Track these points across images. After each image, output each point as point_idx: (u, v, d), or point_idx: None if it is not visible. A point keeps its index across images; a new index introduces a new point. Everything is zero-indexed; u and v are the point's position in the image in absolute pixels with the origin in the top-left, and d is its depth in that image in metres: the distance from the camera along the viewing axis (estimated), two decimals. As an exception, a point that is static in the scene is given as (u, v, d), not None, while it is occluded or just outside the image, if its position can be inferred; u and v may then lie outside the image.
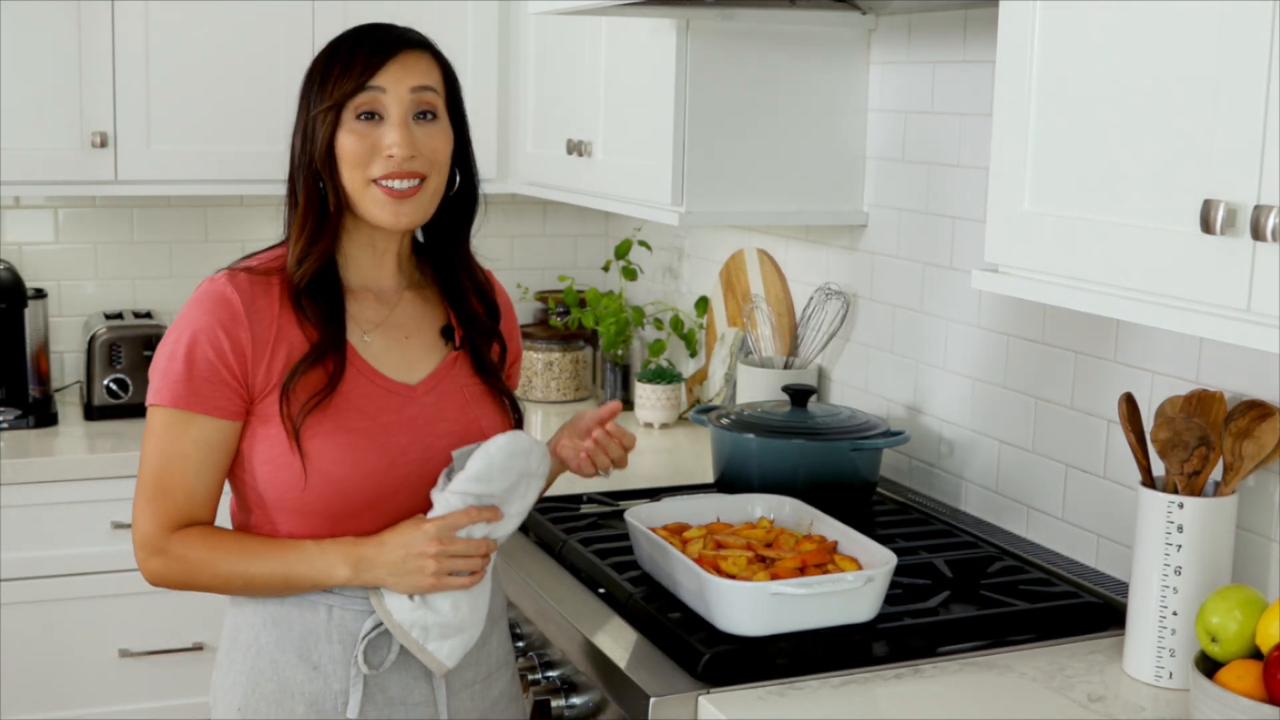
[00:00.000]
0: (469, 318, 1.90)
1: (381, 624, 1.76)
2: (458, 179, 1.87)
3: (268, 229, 3.62)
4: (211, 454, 1.75)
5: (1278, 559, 1.89)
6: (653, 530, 2.08)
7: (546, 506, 2.48)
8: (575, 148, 3.03)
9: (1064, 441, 2.28)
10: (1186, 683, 1.79)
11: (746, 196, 2.68)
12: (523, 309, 3.88)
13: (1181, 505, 1.79)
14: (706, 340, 3.40)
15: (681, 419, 3.36)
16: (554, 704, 2.01)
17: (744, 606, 1.85)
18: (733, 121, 2.64)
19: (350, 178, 1.77)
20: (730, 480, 2.53)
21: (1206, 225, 1.41)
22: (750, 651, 1.85)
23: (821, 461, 2.44)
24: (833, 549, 2.05)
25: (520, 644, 2.18)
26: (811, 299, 2.89)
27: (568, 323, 3.69)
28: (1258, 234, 1.36)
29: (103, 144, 3.15)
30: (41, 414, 3.23)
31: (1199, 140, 1.45)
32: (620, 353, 3.52)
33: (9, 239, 3.48)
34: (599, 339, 3.59)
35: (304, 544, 1.74)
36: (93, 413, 3.30)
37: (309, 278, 1.77)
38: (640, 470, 2.97)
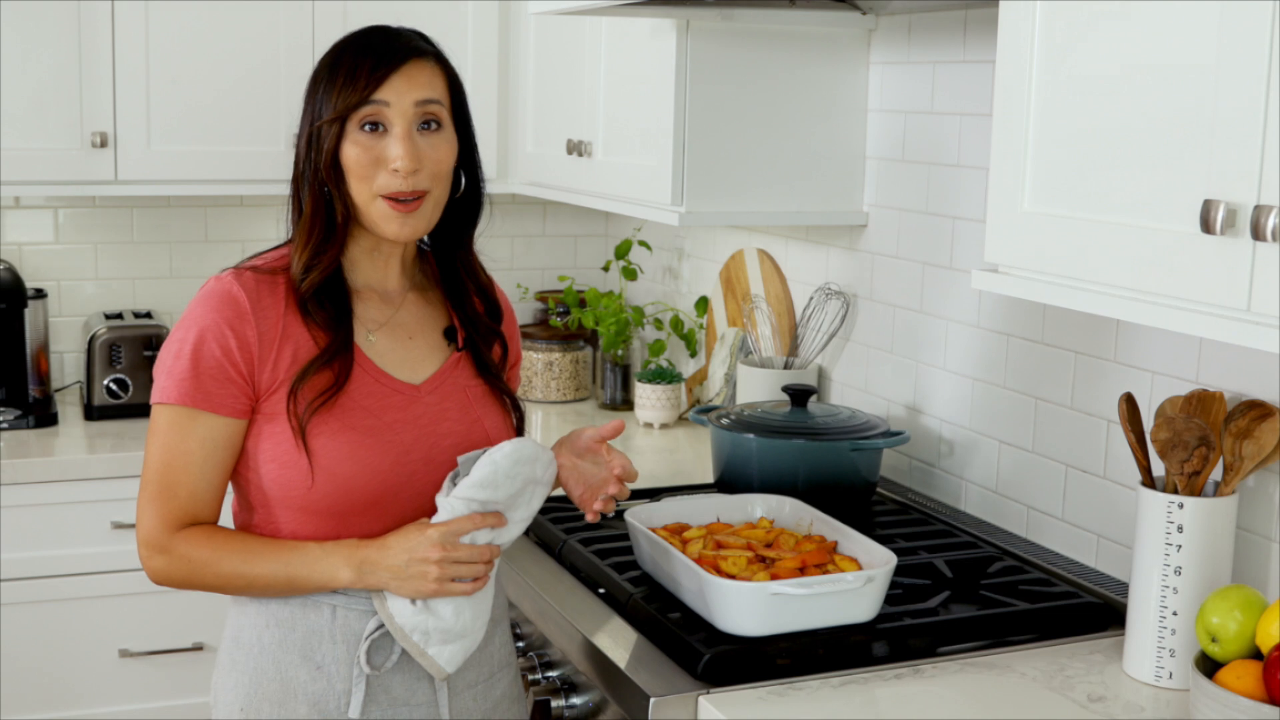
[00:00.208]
0: (471, 318, 1.91)
1: (384, 625, 1.76)
2: (463, 182, 1.87)
3: (268, 229, 3.63)
4: (217, 452, 1.75)
5: (1278, 559, 1.89)
6: (653, 530, 2.08)
7: (547, 507, 2.48)
8: (575, 148, 3.03)
9: (1064, 441, 2.28)
10: (1186, 683, 1.79)
11: (746, 196, 2.68)
12: (523, 309, 3.89)
13: (1181, 505, 1.79)
14: (706, 340, 3.40)
15: (681, 419, 3.36)
16: (554, 704, 2.01)
17: (744, 606, 1.85)
18: (733, 121, 2.64)
19: (356, 189, 1.77)
20: (730, 480, 2.53)
21: (1206, 225, 1.41)
22: (750, 651, 1.85)
23: (821, 462, 2.44)
24: (833, 549, 2.05)
25: (520, 644, 2.18)
26: (811, 299, 2.89)
27: (568, 323, 3.69)
28: (1258, 234, 1.36)
29: (103, 144, 3.15)
30: (41, 414, 3.23)
31: (1199, 140, 1.45)
32: (620, 353, 3.52)
33: (9, 239, 3.48)
34: (599, 339, 3.59)
35: (307, 546, 1.74)
36: (93, 413, 3.30)
37: (316, 287, 1.77)
38: (640, 470, 2.96)
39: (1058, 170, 1.65)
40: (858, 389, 2.82)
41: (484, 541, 1.75)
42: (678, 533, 2.11)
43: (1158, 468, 1.92)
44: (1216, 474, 1.88)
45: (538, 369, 3.58)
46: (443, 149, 1.80)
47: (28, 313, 3.30)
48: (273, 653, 1.78)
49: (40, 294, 3.37)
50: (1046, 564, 2.25)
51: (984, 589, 2.13)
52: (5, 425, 3.18)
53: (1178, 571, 1.80)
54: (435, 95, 1.78)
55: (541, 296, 3.86)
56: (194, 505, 1.75)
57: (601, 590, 2.13)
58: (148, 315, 3.49)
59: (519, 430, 1.94)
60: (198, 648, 3.12)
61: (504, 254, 3.85)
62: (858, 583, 1.89)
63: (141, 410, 3.30)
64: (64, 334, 3.54)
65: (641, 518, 2.13)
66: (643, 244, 3.58)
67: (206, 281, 1.79)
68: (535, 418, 3.44)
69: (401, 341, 1.85)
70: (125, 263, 3.58)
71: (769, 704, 1.75)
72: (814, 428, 2.48)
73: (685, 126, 2.62)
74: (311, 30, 3.22)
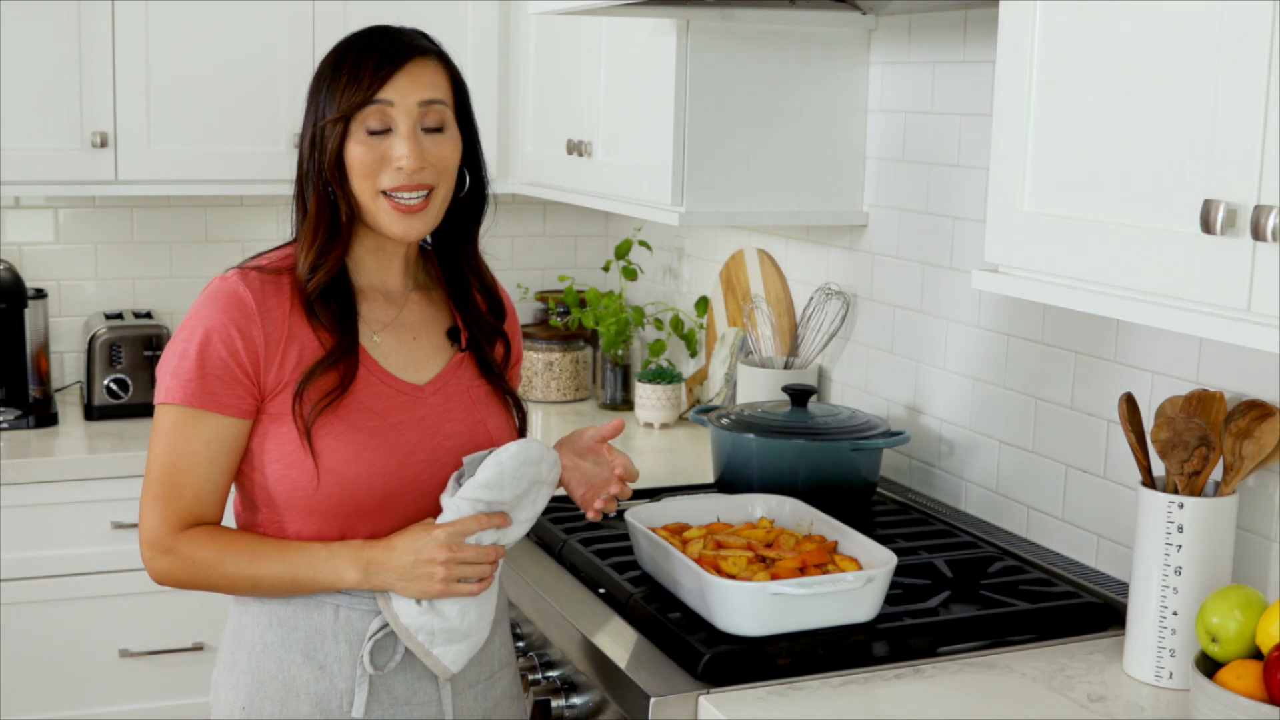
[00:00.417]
0: (475, 318, 1.91)
1: (388, 624, 1.76)
2: (467, 181, 1.87)
3: (268, 229, 3.63)
4: (222, 452, 1.75)
5: (1278, 559, 1.89)
6: (653, 530, 2.08)
7: (548, 507, 2.47)
8: (575, 148, 3.03)
9: (1064, 441, 2.28)
10: (1187, 683, 1.79)
11: (746, 196, 2.68)
12: (523, 309, 3.89)
13: (1182, 505, 1.79)
14: (707, 340, 3.40)
15: (681, 419, 3.36)
16: (554, 704, 2.01)
17: (744, 606, 1.85)
18: (733, 121, 2.64)
19: (360, 188, 1.77)
20: (730, 480, 2.53)
21: (1207, 225, 1.41)
22: (750, 651, 1.85)
23: (821, 462, 2.44)
24: (833, 549, 2.05)
25: (520, 644, 2.18)
26: (811, 299, 2.89)
27: (568, 323, 3.69)
28: (1258, 234, 1.36)
29: (103, 144, 3.15)
30: (41, 414, 3.23)
31: (1199, 140, 1.45)
32: (620, 353, 3.52)
33: (9, 239, 3.48)
34: (599, 339, 3.59)
35: (312, 546, 1.74)
36: (93, 413, 3.30)
37: (322, 287, 1.77)
38: (640, 470, 2.96)
39: (1058, 170, 1.65)
40: (858, 389, 2.82)
41: (489, 542, 1.75)
42: (678, 533, 2.11)
43: (1158, 468, 1.92)
44: (1217, 474, 1.88)
45: (538, 369, 3.58)
46: (447, 147, 1.80)
47: (28, 313, 3.31)
48: (275, 652, 1.78)
49: (40, 294, 3.37)
50: (1046, 564, 2.25)
51: (984, 589, 2.13)
52: (5, 425, 3.18)
53: (1178, 571, 1.80)
54: (439, 95, 1.79)
55: (541, 296, 3.86)
56: (198, 506, 1.75)
57: (602, 590, 2.13)
58: (148, 315, 3.49)
59: (521, 430, 1.94)
60: (198, 648, 3.12)
61: (504, 254, 3.85)
62: (858, 583, 1.89)
63: (142, 410, 3.30)
64: (64, 334, 3.54)
65: (641, 518, 2.13)
66: (643, 244, 3.58)
67: (211, 281, 1.79)
68: (535, 418, 3.44)
69: (406, 342, 1.85)
70: (125, 263, 3.58)
71: (769, 704, 1.75)
72: (814, 428, 2.48)
73: (685, 126, 2.62)
74: (312, 30, 3.22)
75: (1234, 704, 1.54)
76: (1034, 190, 1.69)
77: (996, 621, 2.01)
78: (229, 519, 1.84)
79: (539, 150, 3.30)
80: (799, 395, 2.57)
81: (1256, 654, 1.62)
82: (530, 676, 2.06)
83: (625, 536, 2.21)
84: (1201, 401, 1.91)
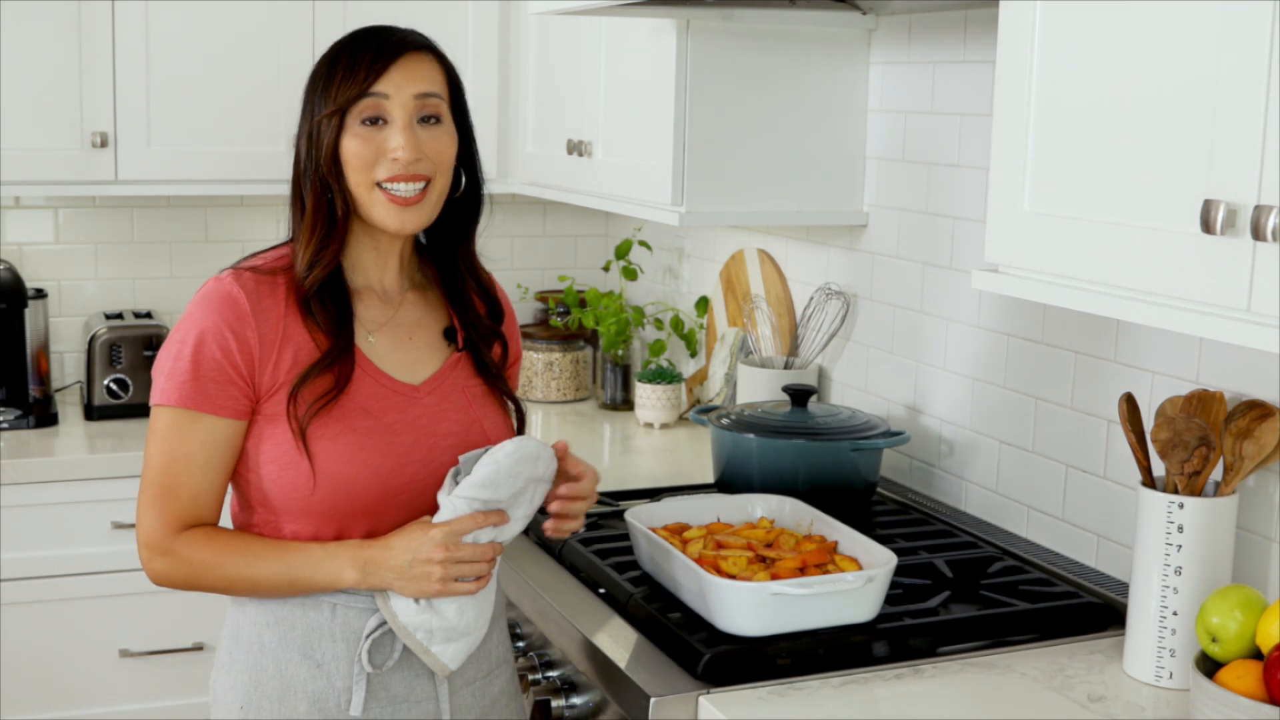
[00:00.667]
0: (472, 320, 1.91)
1: (386, 623, 1.76)
2: (463, 180, 1.87)
3: (268, 229, 3.62)
4: (218, 454, 1.75)
5: (1278, 559, 1.89)
6: (653, 530, 2.08)
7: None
8: (575, 148, 3.03)
9: (1064, 441, 2.28)
10: (1187, 683, 1.79)
11: (746, 196, 2.68)
12: (523, 309, 3.89)
13: (1182, 505, 1.79)
14: (707, 340, 3.40)
15: (682, 419, 3.36)
16: (554, 704, 2.01)
17: (744, 606, 1.85)
18: (733, 121, 2.64)
19: (356, 182, 1.77)
20: (730, 480, 2.53)
21: (1207, 225, 1.41)
22: (750, 651, 1.85)
23: (822, 462, 2.44)
24: (833, 549, 2.05)
25: (520, 644, 2.18)
26: (811, 299, 2.89)
27: (568, 323, 3.69)
28: (1258, 234, 1.36)
29: (103, 144, 3.15)
30: (42, 414, 3.23)
31: (1199, 140, 1.45)
32: (620, 353, 3.52)
33: (9, 239, 3.48)
34: (599, 339, 3.59)
35: (310, 547, 1.74)
36: (93, 413, 3.30)
37: (320, 283, 1.77)
38: (640, 470, 2.97)
39: (1058, 170, 1.65)
40: (858, 389, 2.82)
41: (486, 540, 1.75)
42: (678, 533, 2.11)
43: (1158, 468, 1.92)
44: (1217, 474, 1.88)
45: (538, 369, 3.58)
46: (444, 141, 1.80)
47: (28, 313, 3.31)
48: (272, 651, 1.78)
49: (40, 294, 3.37)
50: (1046, 564, 2.25)
51: (984, 589, 2.13)
52: (5, 425, 3.18)
53: (1178, 571, 1.80)
54: (435, 89, 1.79)
55: (541, 296, 3.86)
56: (195, 507, 1.75)
57: (602, 590, 2.13)
58: (148, 315, 3.49)
59: (520, 431, 1.94)
60: (198, 648, 3.12)
61: (504, 254, 3.85)
62: (858, 583, 1.89)
63: (142, 410, 3.30)
64: (64, 334, 3.54)
65: (641, 518, 2.13)
66: (643, 244, 3.58)
67: (205, 282, 1.79)
68: (535, 418, 3.44)
69: (401, 342, 1.85)
70: (125, 263, 3.58)
71: (769, 704, 1.75)
72: (814, 428, 2.48)
73: (685, 126, 2.62)
74: (312, 30, 3.22)
75: (1234, 704, 1.54)
76: (1034, 190, 1.69)
77: (996, 621, 2.01)
78: (225, 519, 1.83)
79: (539, 150, 3.30)
80: (799, 395, 2.57)
81: (1256, 654, 1.62)
82: (530, 676, 2.06)
83: (625, 536, 2.21)
84: (1201, 401, 1.91)
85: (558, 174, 3.18)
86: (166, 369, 1.75)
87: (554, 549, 2.30)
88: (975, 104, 2.43)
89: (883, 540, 2.17)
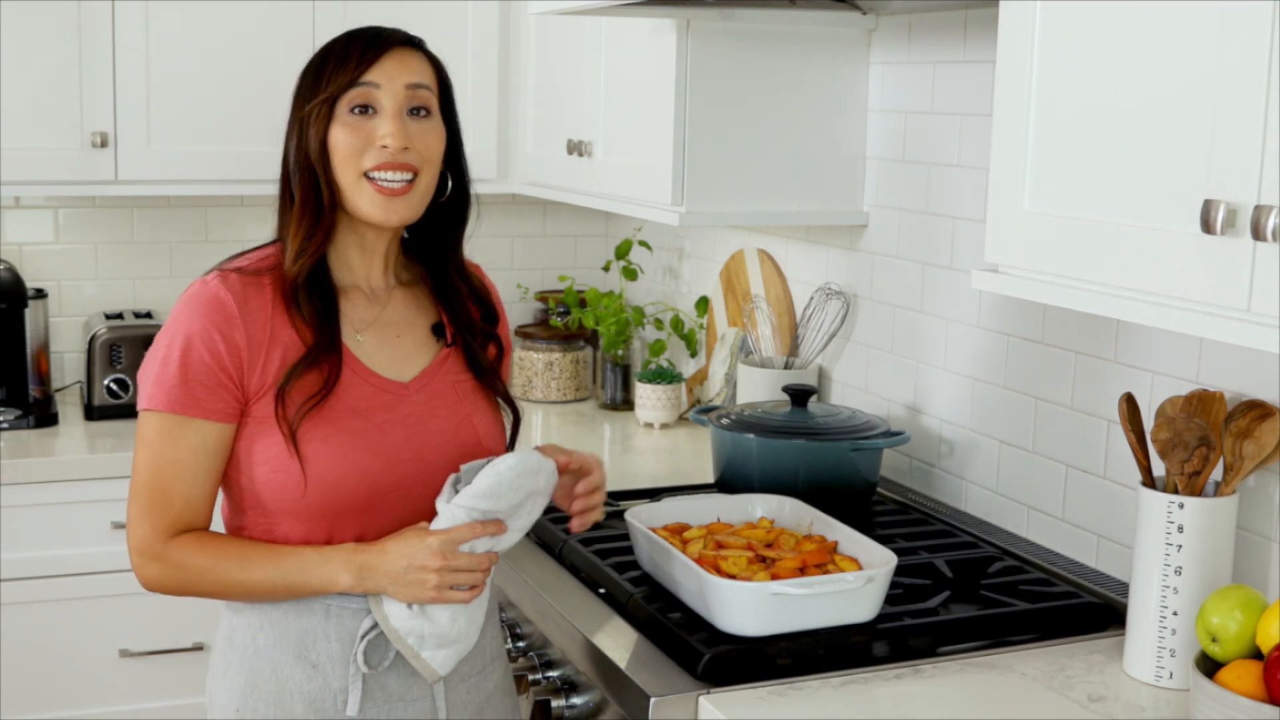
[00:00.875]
0: (465, 321, 1.90)
1: (379, 625, 1.76)
2: (449, 183, 1.87)
3: (268, 229, 3.59)
4: (208, 458, 1.74)
5: (1278, 559, 1.89)
6: (653, 530, 2.08)
7: (547, 506, 2.47)
8: (575, 148, 3.03)
9: (1064, 441, 2.28)
10: (1187, 683, 1.79)
11: (746, 196, 2.68)
12: (523, 309, 3.89)
13: (1182, 505, 1.79)
14: (707, 340, 3.40)
15: (682, 419, 3.36)
16: (554, 704, 2.01)
17: (744, 606, 1.85)
18: (733, 121, 2.64)
19: (343, 171, 1.77)
20: (730, 480, 2.53)
21: (1207, 225, 1.41)
22: (750, 651, 1.85)
23: (822, 462, 2.44)
24: (833, 549, 2.05)
25: (520, 644, 2.18)
26: (812, 299, 2.89)
27: (568, 323, 3.69)
28: (1258, 234, 1.36)
29: (103, 144, 3.15)
30: (42, 414, 3.23)
31: (1199, 140, 1.45)
32: (620, 353, 3.52)
33: (9, 239, 3.48)
34: (599, 339, 3.59)
35: (304, 551, 1.74)
36: (93, 413, 3.30)
37: (306, 273, 1.77)
38: (640, 470, 2.97)
39: (1058, 170, 1.65)
40: (858, 389, 2.82)
41: (484, 550, 1.74)
42: (678, 533, 2.11)
43: (1158, 468, 1.92)
44: (1217, 474, 1.88)
45: (538, 369, 3.58)
46: (432, 135, 1.80)
47: (28, 313, 3.31)
48: (268, 653, 1.78)
49: (40, 294, 3.37)
50: (1046, 564, 2.25)
51: (984, 589, 2.13)
52: (5, 425, 3.18)
53: (1178, 571, 1.80)
54: (425, 81, 1.80)
55: (541, 296, 3.86)
56: (187, 512, 1.74)
57: (602, 590, 2.13)
58: (148, 315, 3.49)
59: (514, 431, 1.94)
60: (197, 647, 3.12)
61: (504, 254, 3.85)
62: (858, 583, 1.89)
63: (142, 410, 3.30)
64: (64, 334, 3.54)
65: (641, 518, 2.13)
66: (643, 244, 3.58)
67: (191, 284, 1.78)
68: (535, 418, 3.44)
69: (389, 340, 1.85)
70: (125, 263, 3.58)
71: (769, 704, 1.75)
72: (814, 428, 2.48)
73: (685, 126, 2.62)
74: (312, 30, 3.22)
75: (1234, 704, 1.54)
76: (1034, 190, 1.69)
77: (996, 621, 2.01)
78: (216, 521, 1.83)
79: (539, 150, 3.30)
80: (799, 395, 2.57)
81: (1256, 654, 1.62)
82: (530, 676, 2.06)
83: (625, 536, 2.21)
84: (1201, 401, 1.91)
85: (558, 174, 3.18)
86: (154, 373, 1.73)
87: (554, 549, 2.30)
88: (975, 104, 2.43)
89: (883, 540, 2.17)
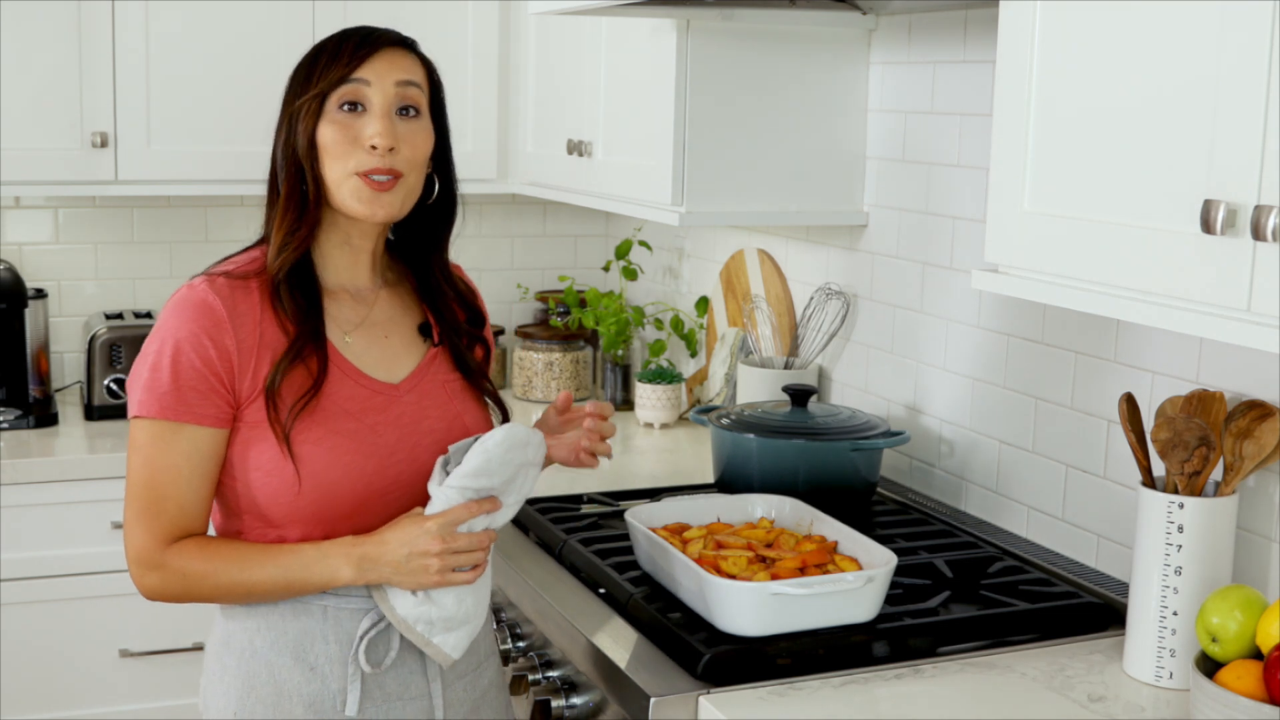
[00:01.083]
0: (450, 324, 1.91)
1: (381, 621, 1.76)
2: (436, 186, 1.87)
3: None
4: (203, 464, 1.73)
5: (1278, 559, 1.89)
6: (653, 530, 2.08)
7: (547, 507, 2.48)
8: (575, 148, 3.03)
9: (1064, 441, 2.28)
10: (1187, 683, 1.79)
11: (746, 196, 2.68)
12: (523, 309, 3.89)
13: (1182, 505, 1.79)
14: (707, 340, 3.40)
15: (682, 419, 3.36)
16: (554, 704, 2.01)
17: (744, 606, 1.85)
18: (733, 121, 2.64)
19: (330, 169, 1.76)
20: (730, 480, 2.53)
21: (1207, 225, 1.41)
22: (750, 651, 1.85)
23: (822, 462, 2.44)
24: (833, 549, 2.05)
25: (520, 644, 2.18)
26: (812, 299, 2.89)
27: (568, 323, 3.69)
28: (1258, 234, 1.36)
29: (103, 144, 3.15)
30: (42, 414, 3.23)
31: (1199, 140, 1.45)
32: (620, 353, 3.52)
33: (9, 239, 3.48)
34: (599, 339, 3.59)
35: (302, 548, 1.74)
36: (93, 413, 3.30)
37: (288, 268, 1.76)
38: (640, 470, 2.97)
39: (1058, 170, 1.65)
40: (858, 389, 2.82)
41: (481, 528, 1.74)
42: (678, 533, 2.11)
43: (1158, 468, 1.92)
44: (1217, 474, 1.88)
45: (538, 369, 3.58)
46: (420, 136, 1.80)
47: (28, 313, 3.31)
48: (265, 656, 1.78)
49: (40, 294, 3.37)
50: (1046, 564, 2.25)
51: (984, 589, 2.13)
52: (5, 425, 3.18)
53: (1178, 571, 1.80)
54: (416, 79, 1.80)
55: (541, 296, 3.86)
56: (183, 518, 1.73)
57: (601, 590, 2.13)
58: (148, 315, 3.49)
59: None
60: (198, 648, 3.11)
61: (504, 254, 3.85)
62: (858, 583, 1.89)
63: (141, 410, 3.30)
64: (64, 334, 3.54)
65: (641, 518, 2.13)
66: (643, 244, 3.58)
67: (178, 289, 1.77)
68: (535, 418, 3.43)
69: (378, 341, 1.85)
70: (125, 263, 3.58)
71: (769, 704, 1.75)
72: (814, 428, 2.48)
73: (685, 126, 2.62)
74: (312, 30, 3.22)
75: (1234, 704, 1.54)
76: (1034, 190, 1.69)
77: (996, 621, 2.01)
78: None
79: (539, 150, 3.30)
80: (799, 395, 2.57)
81: (1256, 654, 1.62)
82: (530, 676, 2.06)
83: (625, 536, 2.21)
84: (1201, 401, 1.91)
85: (558, 174, 3.18)
86: (144, 380, 1.72)
87: (554, 549, 2.30)
88: (975, 104, 2.43)
89: (883, 540, 2.17)
